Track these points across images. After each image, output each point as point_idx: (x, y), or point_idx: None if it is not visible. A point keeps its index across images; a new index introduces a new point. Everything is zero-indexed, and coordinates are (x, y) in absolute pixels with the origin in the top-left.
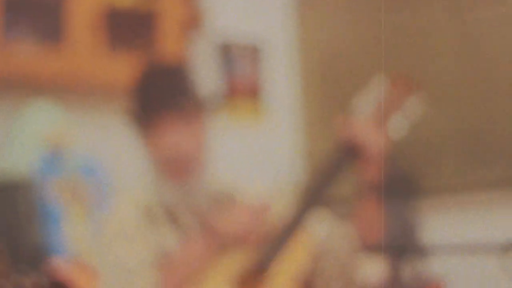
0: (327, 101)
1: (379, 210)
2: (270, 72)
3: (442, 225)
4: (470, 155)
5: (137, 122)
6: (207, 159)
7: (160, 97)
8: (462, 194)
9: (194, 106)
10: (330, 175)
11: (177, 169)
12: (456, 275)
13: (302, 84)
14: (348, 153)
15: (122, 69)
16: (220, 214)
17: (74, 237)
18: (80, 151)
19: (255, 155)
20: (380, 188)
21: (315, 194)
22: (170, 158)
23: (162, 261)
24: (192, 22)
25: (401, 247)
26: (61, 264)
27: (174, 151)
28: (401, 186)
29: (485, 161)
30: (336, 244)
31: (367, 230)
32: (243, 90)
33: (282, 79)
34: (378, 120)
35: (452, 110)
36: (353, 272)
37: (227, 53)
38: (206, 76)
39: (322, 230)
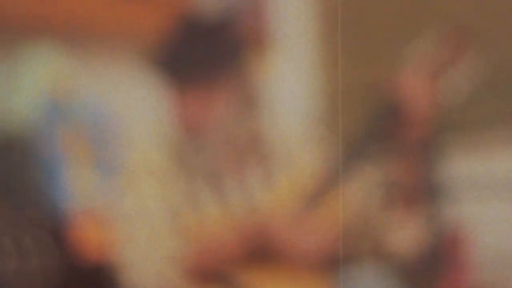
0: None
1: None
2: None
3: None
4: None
5: (165, 79)
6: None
7: (197, 58)
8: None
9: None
10: (369, 134)
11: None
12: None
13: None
14: (392, 112)
15: (145, 16)
16: None
17: (81, 191)
18: (89, 100)
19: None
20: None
21: (355, 151)
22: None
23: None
24: None
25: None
26: (66, 218)
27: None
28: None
29: None
30: (370, 203)
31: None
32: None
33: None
34: (427, 77)
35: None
36: (384, 234)
37: None
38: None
39: (357, 189)
